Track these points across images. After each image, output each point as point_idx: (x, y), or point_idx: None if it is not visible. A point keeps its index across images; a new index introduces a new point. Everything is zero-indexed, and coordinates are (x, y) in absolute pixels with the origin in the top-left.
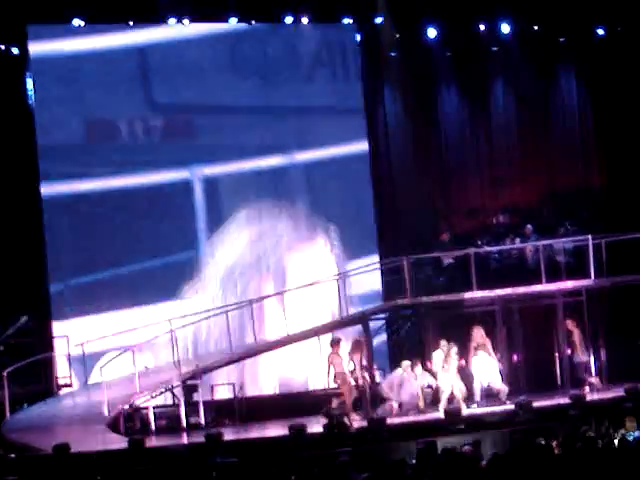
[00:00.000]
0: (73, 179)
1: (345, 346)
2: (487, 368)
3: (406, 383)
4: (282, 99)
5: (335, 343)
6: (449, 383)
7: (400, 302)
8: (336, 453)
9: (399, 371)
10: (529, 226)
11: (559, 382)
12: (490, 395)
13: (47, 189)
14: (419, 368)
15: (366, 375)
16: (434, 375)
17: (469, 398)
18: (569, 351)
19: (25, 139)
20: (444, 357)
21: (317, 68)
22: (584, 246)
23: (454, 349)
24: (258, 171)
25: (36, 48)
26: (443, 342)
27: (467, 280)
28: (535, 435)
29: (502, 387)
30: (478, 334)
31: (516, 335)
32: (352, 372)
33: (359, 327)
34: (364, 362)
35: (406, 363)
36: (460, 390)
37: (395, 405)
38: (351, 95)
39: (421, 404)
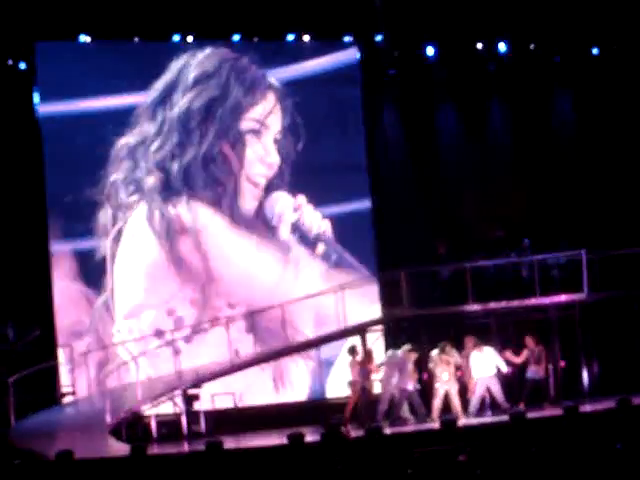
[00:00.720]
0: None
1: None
2: (487, 364)
3: (406, 365)
4: None
5: (353, 350)
6: (444, 387)
7: (397, 314)
8: (333, 462)
9: (398, 353)
10: (526, 240)
11: (552, 394)
12: (487, 406)
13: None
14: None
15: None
16: (432, 373)
17: (465, 407)
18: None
19: (32, 152)
20: (439, 353)
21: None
22: (578, 260)
23: (449, 345)
24: None
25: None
26: (440, 344)
27: (463, 293)
28: (529, 445)
29: (501, 399)
30: (470, 343)
31: (510, 348)
32: (357, 382)
33: None
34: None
35: (407, 347)
36: (456, 394)
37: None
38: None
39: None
